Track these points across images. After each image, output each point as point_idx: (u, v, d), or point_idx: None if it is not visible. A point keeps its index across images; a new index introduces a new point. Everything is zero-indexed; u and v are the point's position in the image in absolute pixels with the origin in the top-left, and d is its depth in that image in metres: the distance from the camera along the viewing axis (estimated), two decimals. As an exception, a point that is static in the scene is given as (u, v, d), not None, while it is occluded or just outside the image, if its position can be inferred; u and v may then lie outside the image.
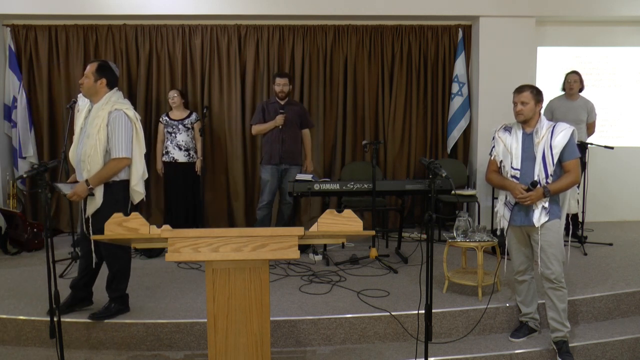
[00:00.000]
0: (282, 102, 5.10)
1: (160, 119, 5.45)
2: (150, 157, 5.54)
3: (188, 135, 5.36)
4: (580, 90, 5.38)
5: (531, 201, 3.21)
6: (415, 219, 6.19)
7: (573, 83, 5.31)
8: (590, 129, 5.46)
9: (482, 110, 5.92)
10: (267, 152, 5.11)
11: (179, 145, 5.33)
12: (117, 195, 3.43)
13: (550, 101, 5.47)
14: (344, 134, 6.07)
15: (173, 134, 5.34)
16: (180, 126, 5.33)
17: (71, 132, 4.85)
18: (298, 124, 5.18)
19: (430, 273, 2.85)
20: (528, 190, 3.20)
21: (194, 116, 5.42)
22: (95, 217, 3.37)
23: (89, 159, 3.33)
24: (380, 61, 6.02)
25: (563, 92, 5.44)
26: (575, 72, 5.38)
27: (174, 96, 5.40)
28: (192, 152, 5.38)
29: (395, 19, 5.91)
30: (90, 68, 3.45)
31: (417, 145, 6.15)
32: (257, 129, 5.17)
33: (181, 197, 5.38)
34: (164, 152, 5.39)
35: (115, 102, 3.44)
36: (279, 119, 4.98)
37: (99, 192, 3.37)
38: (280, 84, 5.08)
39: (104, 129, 3.34)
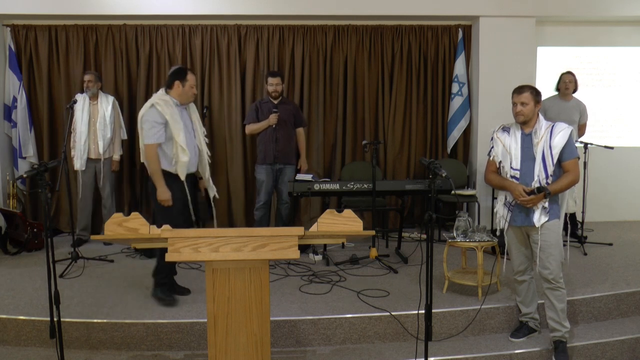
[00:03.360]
0: (275, 102, 5.08)
1: None
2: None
3: None
4: (574, 91, 5.37)
5: (533, 204, 3.21)
6: (415, 219, 6.19)
7: (569, 83, 5.29)
8: (581, 130, 5.45)
9: (482, 110, 5.92)
10: (261, 151, 5.09)
11: None
12: None
13: (543, 101, 5.44)
14: (344, 134, 6.07)
15: None
16: None
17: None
18: (291, 123, 5.15)
19: (430, 273, 2.85)
20: (531, 193, 3.20)
21: None
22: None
23: (205, 147, 3.98)
24: (380, 61, 6.02)
25: (556, 92, 5.43)
26: (570, 73, 5.36)
27: None
28: None
29: (395, 19, 5.91)
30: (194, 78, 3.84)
31: (417, 145, 6.15)
32: (250, 128, 5.14)
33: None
34: None
35: None
36: (273, 118, 4.95)
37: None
38: (273, 84, 5.04)
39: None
